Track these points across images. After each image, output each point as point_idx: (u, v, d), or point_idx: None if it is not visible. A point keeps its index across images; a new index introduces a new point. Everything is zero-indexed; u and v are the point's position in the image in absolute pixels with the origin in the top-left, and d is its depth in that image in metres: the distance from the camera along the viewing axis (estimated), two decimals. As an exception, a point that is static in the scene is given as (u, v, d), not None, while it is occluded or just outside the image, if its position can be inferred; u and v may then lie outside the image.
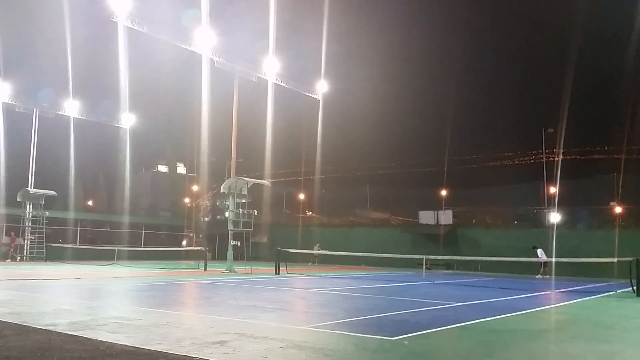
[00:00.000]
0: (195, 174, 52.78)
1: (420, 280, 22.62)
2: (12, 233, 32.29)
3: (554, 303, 15.03)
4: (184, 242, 43.11)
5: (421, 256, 25.73)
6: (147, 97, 41.74)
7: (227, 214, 29.27)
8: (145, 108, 42.11)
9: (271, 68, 30.39)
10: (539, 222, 33.81)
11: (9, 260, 30.52)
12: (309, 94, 34.39)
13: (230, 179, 27.36)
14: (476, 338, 8.40)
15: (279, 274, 23.73)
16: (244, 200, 27.01)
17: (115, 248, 32.74)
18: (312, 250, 33.36)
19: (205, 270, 25.50)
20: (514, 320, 10.62)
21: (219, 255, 36.25)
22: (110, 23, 25.37)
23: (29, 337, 7.55)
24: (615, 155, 36.37)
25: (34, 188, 34.41)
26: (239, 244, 26.47)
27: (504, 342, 8.17)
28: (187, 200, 52.74)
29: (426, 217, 35.94)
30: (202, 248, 30.19)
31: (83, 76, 36.38)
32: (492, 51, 52.84)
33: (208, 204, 50.68)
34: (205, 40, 27.12)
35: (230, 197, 26.19)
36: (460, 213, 36.94)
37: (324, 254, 32.16)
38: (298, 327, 9.01)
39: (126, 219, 40.34)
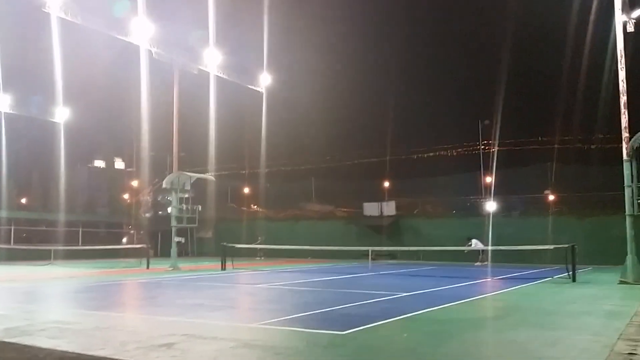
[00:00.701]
0: (134, 169, 51.32)
1: (367, 271, 22.91)
2: None
3: (495, 290, 15.56)
4: (125, 240, 41.88)
5: (367, 248, 26.03)
6: (82, 91, 40.04)
7: (169, 210, 28.65)
8: (80, 102, 40.40)
9: (212, 60, 29.80)
10: (477, 212, 34.91)
11: None
12: (252, 87, 33.98)
13: (172, 174, 26.73)
14: (423, 329, 8.57)
15: (225, 270, 23.45)
16: (187, 195, 26.42)
17: (52, 247, 31.43)
18: (256, 244, 33.16)
19: (147, 268, 24.84)
20: (459, 309, 10.91)
21: (162, 253, 35.41)
22: (43, 13, 24.17)
23: (-40, 347, 7.13)
24: (549, 145, 37.96)
25: (-39, 187, 32.56)
26: (183, 240, 25.96)
27: (451, 332, 8.37)
28: (126, 196, 51.21)
29: (370, 208, 36.44)
30: (144, 245, 29.41)
31: (14, 69, 34.52)
32: (431, 43, 53.99)
33: (149, 200, 49.38)
34: (142, 30, 26.23)
35: (173, 193, 25.61)
36: (403, 204, 37.60)
37: (270, 248, 31.98)
38: (248, 325, 8.92)
39: (62, 216, 38.74)
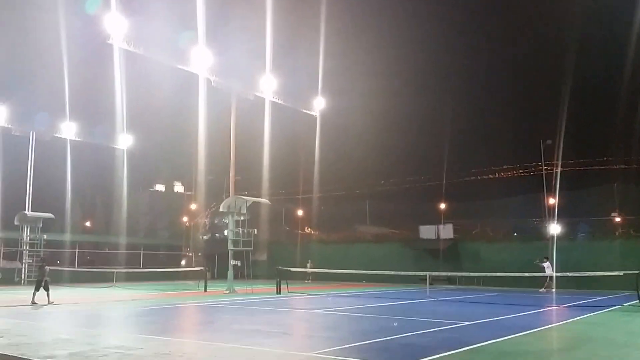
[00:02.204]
0: (192, 193, 52.49)
1: (424, 297, 22.32)
2: None
3: (563, 320, 14.78)
4: (183, 262, 42.68)
5: (424, 273, 25.37)
6: (144, 118, 41.57)
7: (226, 233, 29.01)
8: (142, 129, 41.93)
9: (268, 86, 30.31)
10: (540, 235, 33.55)
11: None
12: (307, 111, 34.28)
13: (229, 198, 27.13)
14: (489, 362, 8.16)
15: (280, 294, 23.42)
16: (243, 219, 26.71)
17: (114, 270, 32.34)
18: (306, 268, 33.28)
19: (205, 290, 25.15)
20: (526, 341, 10.37)
21: (219, 274, 35.85)
22: (106, 45, 25.28)
23: (28, 372, 7.30)
24: (615, 166, 36.32)
25: (31, 211, 34.10)
26: (239, 263, 26.16)
27: (518, 365, 7.94)
28: (185, 219, 52.38)
29: (426, 231, 35.69)
30: (202, 268, 29.85)
31: (80, 98, 36.27)
32: (489, 64, 53.09)
33: (206, 223, 50.32)
34: (201, 60, 27.02)
35: (230, 216, 25.95)
36: (461, 227, 36.66)
37: (325, 272, 31.81)
38: (304, 354, 8.76)
39: (124, 239, 39.98)
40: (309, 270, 33.48)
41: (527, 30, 50.14)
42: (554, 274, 25.17)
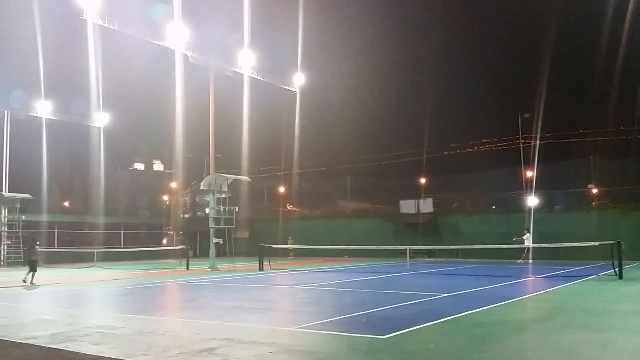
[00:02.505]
0: (172, 171, 52.13)
1: (405, 270, 22.65)
2: None
3: (539, 290, 15.13)
4: (164, 241, 42.59)
5: (405, 246, 25.70)
6: (120, 95, 40.97)
7: (207, 211, 28.94)
8: (118, 106, 41.28)
9: (247, 61, 29.96)
10: (518, 207, 34.09)
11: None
12: (286, 87, 34.04)
13: (210, 175, 27.01)
14: (466, 332, 8.35)
15: (262, 270, 23.56)
16: (224, 196, 26.66)
17: (94, 250, 32.18)
18: (287, 244, 33.46)
19: (187, 269, 25.20)
20: (502, 311, 10.63)
21: (201, 253, 35.89)
22: (80, 21, 24.70)
23: (8, 352, 7.29)
24: (592, 138, 36.83)
25: (8, 192, 33.58)
26: (221, 241, 26.19)
27: (495, 335, 8.15)
28: (165, 197, 52.07)
29: (407, 206, 36.04)
30: (184, 246, 29.80)
31: (54, 76, 35.49)
32: (467, 37, 53.10)
33: (187, 201, 50.10)
34: (177, 35, 26.57)
35: (211, 194, 25.88)
36: (441, 201, 37.08)
37: (307, 248, 32.01)
38: (287, 329, 8.88)
39: (104, 219, 39.68)
40: (290, 246, 33.67)
41: (505, 3, 50.15)
42: (531, 245, 25.66)
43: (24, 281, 17.99)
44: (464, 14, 55.28)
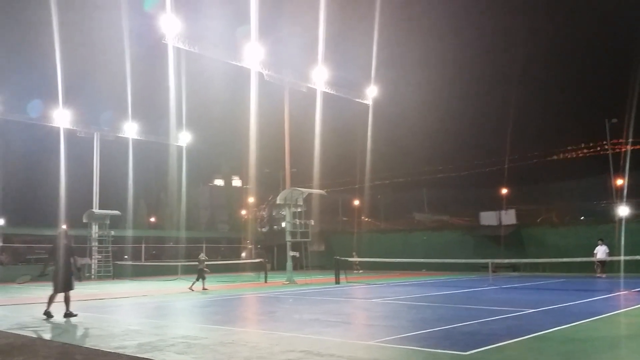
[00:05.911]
0: (250, 186, 53.42)
1: (487, 285, 21.85)
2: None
3: (631, 305, 14.13)
4: (243, 254, 43.59)
5: (486, 260, 24.82)
6: (201, 115, 42.67)
7: (284, 225, 29.36)
8: (199, 125, 43.06)
9: (320, 77, 30.34)
10: (608, 218, 32.18)
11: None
12: (360, 100, 34.12)
13: (285, 190, 27.44)
14: (555, 349, 7.91)
15: (339, 284, 23.53)
16: (300, 210, 26.98)
17: (179, 263, 33.40)
18: (352, 258, 32.99)
19: (265, 282, 25.61)
20: (593, 327, 10.00)
21: (279, 266, 36.40)
22: (162, 45, 25.99)
23: (100, 361, 7.64)
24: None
25: (98, 209, 35.63)
26: (297, 254, 26.48)
27: (586, 352, 7.67)
28: (243, 212, 53.35)
29: (487, 218, 34.93)
30: (262, 259, 30.36)
31: (139, 98, 37.58)
32: (550, 44, 51.15)
33: (265, 215, 51.09)
34: (254, 55, 27.38)
35: (287, 208, 26.26)
36: (524, 212, 35.63)
37: (380, 261, 31.54)
38: (364, 343, 8.77)
39: (187, 233, 41.23)
40: (355, 259, 32.91)
41: (591, 5, 47.93)
42: (622, 258, 24.06)
43: (191, 289, 20.98)
44: (547, 18, 53.35)
